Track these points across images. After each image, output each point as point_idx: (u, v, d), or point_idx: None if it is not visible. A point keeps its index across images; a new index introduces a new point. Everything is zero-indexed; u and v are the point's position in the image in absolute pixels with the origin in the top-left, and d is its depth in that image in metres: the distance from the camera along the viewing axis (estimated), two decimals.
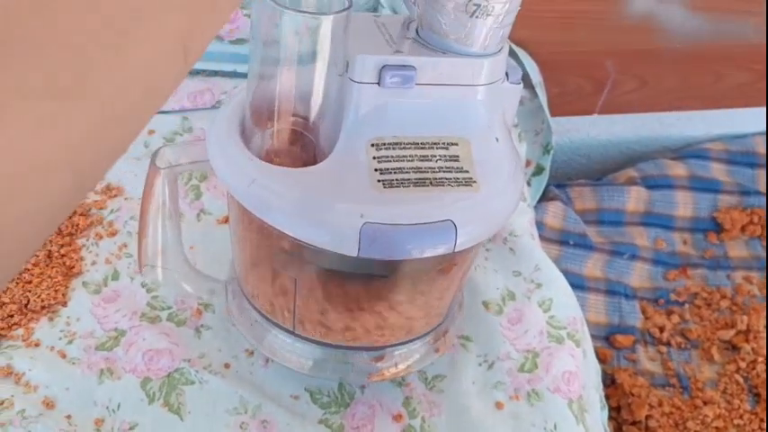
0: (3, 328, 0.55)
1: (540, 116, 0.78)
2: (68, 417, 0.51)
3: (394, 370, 0.52)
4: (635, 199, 0.88)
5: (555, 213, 0.83)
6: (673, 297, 0.84)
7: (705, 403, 0.76)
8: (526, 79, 0.76)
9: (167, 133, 0.70)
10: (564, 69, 0.82)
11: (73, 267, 0.59)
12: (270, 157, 0.43)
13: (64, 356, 0.54)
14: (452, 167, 0.41)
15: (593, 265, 0.83)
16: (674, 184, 0.89)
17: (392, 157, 0.40)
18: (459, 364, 0.55)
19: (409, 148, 0.41)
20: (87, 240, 0.60)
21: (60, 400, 0.52)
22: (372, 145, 0.40)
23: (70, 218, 0.61)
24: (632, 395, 0.75)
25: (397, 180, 0.40)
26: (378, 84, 0.39)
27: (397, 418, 0.53)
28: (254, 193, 0.40)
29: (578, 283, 0.81)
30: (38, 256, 0.57)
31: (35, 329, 0.55)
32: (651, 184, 0.89)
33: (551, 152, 0.77)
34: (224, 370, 0.54)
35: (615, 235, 0.87)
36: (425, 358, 0.53)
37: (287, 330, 0.50)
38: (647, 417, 0.75)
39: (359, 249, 0.39)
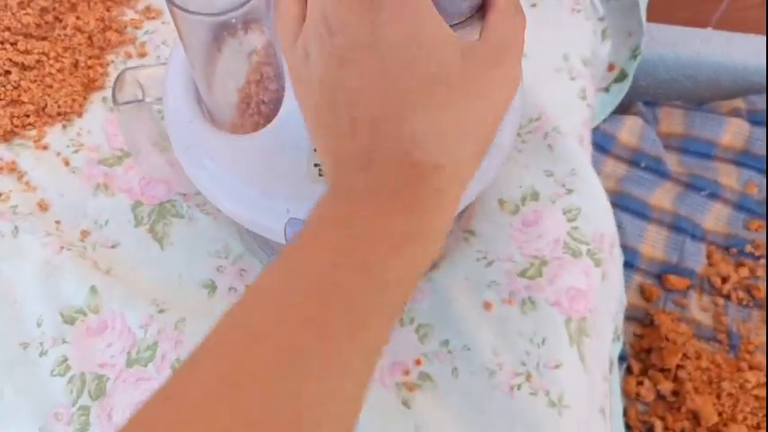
0: (17, 126, 0.56)
1: (635, 16, 0.68)
2: (58, 222, 0.52)
3: None
4: (733, 133, 0.78)
5: (631, 129, 0.75)
6: (748, 249, 0.75)
7: (751, 368, 0.69)
8: None
9: None
10: None
11: (96, 81, 0.58)
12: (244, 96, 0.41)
13: (67, 164, 0.55)
14: None
15: (662, 195, 0.75)
16: None
17: None
18: (456, 257, 0.51)
19: None
20: (116, 57, 0.60)
21: (54, 204, 0.53)
22: None
23: (104, 32, 0.60)
24: (667, 340, 0.69)
25: None
26: None
27: None
28: (191, 158, 0.40)
29: (639, 211, 0.73)
30: (63, 63, 0.57)
31: (47, 133, 0.56)
32: (757, 119, 0.78)
33: (638, 57, 0.68)
34: (216, 212, 0.53)
35: (698, 168, 0.77)
36: None
37: None
38: (679, 366, 0.69)
39: (286, 240, 0.39)
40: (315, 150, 0.38)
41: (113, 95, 0.43)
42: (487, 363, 0.47)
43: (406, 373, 0.47)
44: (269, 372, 0.24)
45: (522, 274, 0.50)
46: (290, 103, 0.38)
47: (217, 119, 0.42)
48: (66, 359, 0.47)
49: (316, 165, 0.38)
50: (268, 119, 0.40)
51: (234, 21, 0.41)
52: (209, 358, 0.25)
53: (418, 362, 0.47)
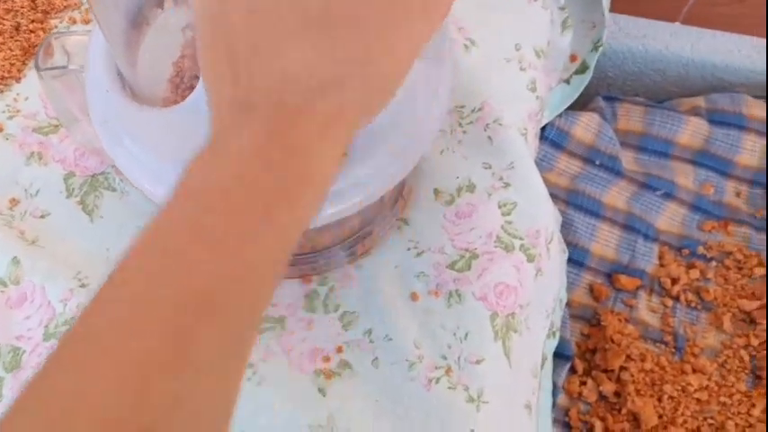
0: None
1: (599, 7, 0.68)
2: None
3: (298, 273, 0.50)
4: (692, 132, 0.78)
5: (587, 126, 0.75)
6: (701, 250, 0.75)
7: (694, 371, 0.70)
8: None
9: None
10: None
11: (36, 46, 0.58)
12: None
13: (1, 130, 0.55)
14: None
15: (617, 194, 0.75)
16: (747, 126, 0.77)
17: None
18: (387, 245, 0.51)
19: None
20: (60, 23, 0.60)
21: None
22: None
23: None
24: (612, 342, 0.70)
25: None
26: None
27: (306, 279, 0.51)
28: (108, 132, 0.39)
29: (593, 209, 0.74)
30: (3, 26, 0.57)
31: None
32: (717, 119, 0.78)
33: (600, 50, 0.68)
34: None
35: (654, 167, 0.78)
36: (333, 265, 0.50)
37: None
38: (622, 368, 0.70)
39: None
40: None
41: (36, 61, 0.44)
42: (408, 354, 0.48)
43: (326, 360, 0.48)
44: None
45: (452, 266, 0.51)
46: None
47: (140, 94, 0.42)
48: None
49: None
50: None
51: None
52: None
53: (339, 349, 0.48)
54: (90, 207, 0.52)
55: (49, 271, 0.49)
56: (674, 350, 0.72)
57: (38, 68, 0.43)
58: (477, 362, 0.49)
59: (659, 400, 0.70)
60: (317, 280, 0.51)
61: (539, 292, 0.54)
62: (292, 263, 0.50)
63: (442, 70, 0.42)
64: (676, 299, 0.73)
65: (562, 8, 0.66)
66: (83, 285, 0.48)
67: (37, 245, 0.50)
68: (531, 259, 0.53)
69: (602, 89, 0.86)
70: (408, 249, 0.51)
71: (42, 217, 0.52)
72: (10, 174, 0.53)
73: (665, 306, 0.73)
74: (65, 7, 0.60)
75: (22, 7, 0.59)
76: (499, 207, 0.53)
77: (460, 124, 0.55)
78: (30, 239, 0.50)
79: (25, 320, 0.48)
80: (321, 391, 0.47)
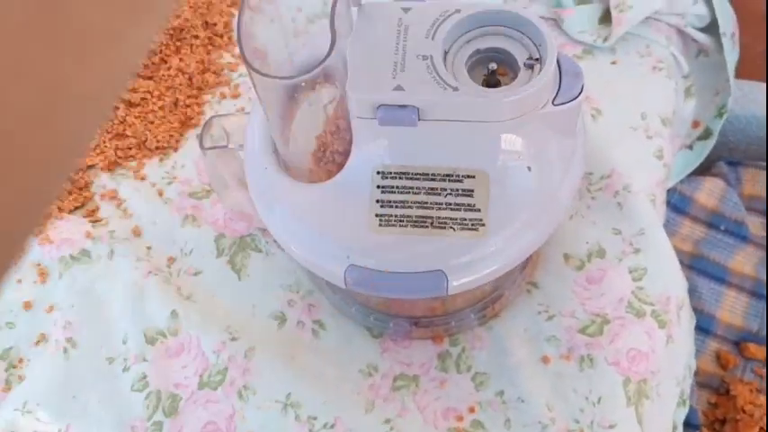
0: (120, 158, 0.63)
1: (724, 74, 0.69)
2: (149, 247, 0.58)
3: (430, 334, 0.53)
4: None
5: (711, 191, 0.75)
6: None
7: None
8: (713, 28, 0.68)
9: None
10: None
11: (192, 119, 0.65)
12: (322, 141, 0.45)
13: (161, 194, 0.61)
14: (462, 205, 0.40)
15: (743, 260, 0.75)
16: None
17: (397, 188, 0.40)
18: (517, 308, 0.53)
19: (417, 179, 0.40)
20: (212, 97, 0.66)
21: (146, 231, 0.59)
22: (378, 173, 0.41)
23: (203, 73, 0.66)
24: (744, 412, 0.68)
25: (395, 217, 0.41)
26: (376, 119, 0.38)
27: (437, 340, 0.53)
28: (263, 202, 0.45)
29: (718, 275, 0.73)
30: (164, 101, 0.64)
31: (146, 165, 0.63)
32: None
33: (724, 116, 0.69)
34: None
35: None
36: (464, 327, 0.52)
37: None
38: None
39: (345, 285, 0.42)
40: (377, 202, 0.42)
41: (200, 140, 0.49)
42: (540, 416, 0.49)
43: (459, 419, 0.50)
44: None
45: (583, 330, 0.52)
46: (355, 158, 0.42)
47: (292, 167, 0.46)
48: (145, 376, 0.52)
49: (377, 215, 0.41)
50: (341, 168, 0.45)
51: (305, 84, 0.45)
52: None
53: (472, 409, 0.50)
54: (238, 266, 0.57)
55: (203, 324, 0.53)
56: None
57: (202, 148, 0.49)
58: (610, 426, 0.49)
59: None
60: (448, 341, 0.53)
61: (670, 359, 0.55)
62: (426, 324, 0.53)
63: (576, 144, 0.44)
64: None
65: (686, 76, 0.67)
66: (233, 339, 0.53)
67: (191, 300, 0.55)
68: (662, 326, 0.53)
69: (724, 153, 0.86)
70: (539, 313, 0.53)
71: (196, 274, 0.57)
72: (168, 234, 0.59)
73: None
74: (216, 84, 0.67)
75: (181, 85, 0.66)
76: (630, 272, 0.54)
77: (589, 190, 0.57)
78: (185, 295, 0.56)
79: (182, 369, 0.52)
80: None
